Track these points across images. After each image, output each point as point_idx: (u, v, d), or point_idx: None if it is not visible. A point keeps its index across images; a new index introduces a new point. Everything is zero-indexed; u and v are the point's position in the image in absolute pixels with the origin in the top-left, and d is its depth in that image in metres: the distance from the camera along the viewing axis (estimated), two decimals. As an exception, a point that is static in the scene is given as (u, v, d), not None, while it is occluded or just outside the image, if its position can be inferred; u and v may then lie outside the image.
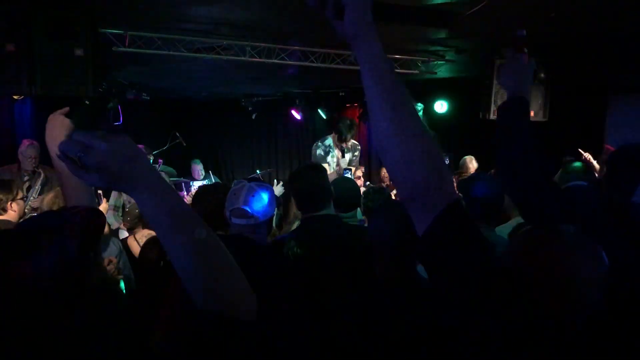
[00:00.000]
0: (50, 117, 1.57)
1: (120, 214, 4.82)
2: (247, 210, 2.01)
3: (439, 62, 5.70)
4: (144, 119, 7.75)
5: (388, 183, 6.45)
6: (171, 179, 6.34)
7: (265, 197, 2.06)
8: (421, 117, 1.56)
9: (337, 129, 5.06)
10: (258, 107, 8.57)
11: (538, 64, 5.10)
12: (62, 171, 1.60)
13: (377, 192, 3.40)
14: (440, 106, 7.66)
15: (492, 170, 4.45)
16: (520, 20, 4.04)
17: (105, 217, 1.90)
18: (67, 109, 1.56)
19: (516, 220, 2.73)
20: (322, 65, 5.28)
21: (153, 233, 3.14)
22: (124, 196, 4.89)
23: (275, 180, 5.13)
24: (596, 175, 4.05)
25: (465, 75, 6.60)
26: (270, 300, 1.23)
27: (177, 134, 6.99)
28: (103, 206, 3.80)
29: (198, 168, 7.25)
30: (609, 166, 1.61)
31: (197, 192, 2.69)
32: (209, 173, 7.30)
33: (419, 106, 1.85)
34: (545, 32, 4.44)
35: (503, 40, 4.83)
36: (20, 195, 3.26)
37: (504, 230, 2.64)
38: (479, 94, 5.24)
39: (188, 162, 7.44)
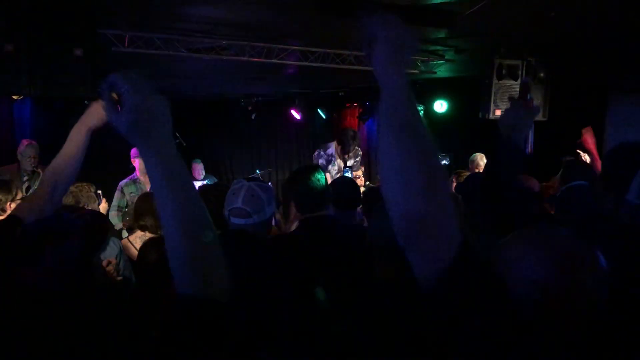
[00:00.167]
0: (93, 105, 1.74)
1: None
2: (246, 210, 2.01)
3: (439, 62, 5.69)
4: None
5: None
6: None
7: (264, 196, 2.06)
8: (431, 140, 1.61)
9: (341, 141, 5.08)
10: (258, 107, 8.57)
11: (538, 63, 5.13)
12: (56, 167, 1.63)
13: (376, 192, 3.40)
14: (440, 106, 7.66)
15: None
16: (519, 19, 4.05)
17: (108, 221, 1.90)
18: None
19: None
20: (322, 65, 5.28)
21: (147, 235, 3.14)
22: (127, 196, 4.89)
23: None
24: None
25: (464, 75, 6.60)
26: (266, 294, 1.23)
27: (177, 134, 6.98)
28: (103, 206, 3.80)
29: (199, 167, 7.24)
30: (604, 165, 1.61)
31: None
32: (209, 173, 7.30)
33: (419, 108, 1.85)
34: (545, 31, 4.44)
35: (502, 40, 4.85)
36: (20, 195, 3.25)
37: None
38: (478, 93, 5.24)
39: (187, 162, 7.44)
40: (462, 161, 6.15)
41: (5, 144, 5.93)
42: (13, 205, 3.11)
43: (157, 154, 0.94)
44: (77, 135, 1.72)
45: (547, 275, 0.91)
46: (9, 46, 3.35)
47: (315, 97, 8.35)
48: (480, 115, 5.16)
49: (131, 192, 4.87)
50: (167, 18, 4.13)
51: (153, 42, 4.53)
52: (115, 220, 4.76)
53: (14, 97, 5.93)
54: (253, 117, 8.62)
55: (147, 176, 4.99)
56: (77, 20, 3.50)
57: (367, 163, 8.27)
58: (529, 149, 1.74)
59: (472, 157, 5.92)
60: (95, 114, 1.71)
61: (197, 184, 6.64)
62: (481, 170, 5.62)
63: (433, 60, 5.65)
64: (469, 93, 6.15)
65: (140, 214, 3.20)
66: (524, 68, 5.02)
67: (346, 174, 4.86)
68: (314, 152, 5.49)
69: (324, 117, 8.48)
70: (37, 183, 4.43)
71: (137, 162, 5.06)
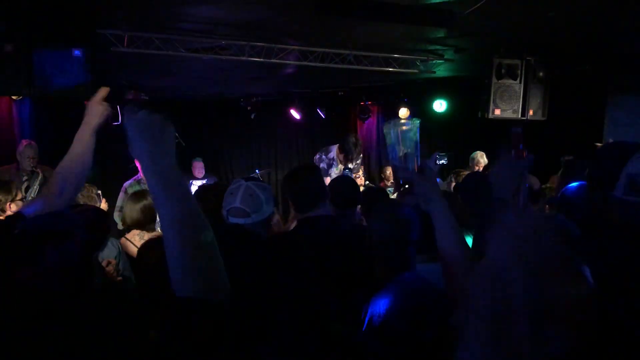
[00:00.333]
0: (89, 104, 1.77)
1: None
2: (244, 210, 2.01)
3: (438, 62, 5.69)
4: (142, 119, 7.74)
5: (392, 181, 6.46)
6: None
7: (262, 196, 2.06)
8: (417, 136, 1.65)
9: (343, 149, 5.07)
10: (257, 107, 8.56)
11: (537, 63, 5.13)
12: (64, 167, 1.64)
13: (375, 192, 3.41)
14: (439, 105, 7.67)
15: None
16: (518, 19, 4.05)
17: (109, 218, 1.91)
18: (106, 90, 1.76)
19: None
20: (321, 65, 5.28)
21: (144, 233, 3.14)
22: None
23: None
24: None
25: (464, 75, 6.60)
26: (264, 292, 1.23)
27: (177, 134, 6.96)
28: (103, 206, 3.80)
29: (199, 166, 7.24)
30: (593, 163, 1.62)
31: (196, 192, 2.69)
32: (208, 173, 7.30)
33: (416, 122, 1.82)
34: (544, 31, 4.44)
35: (501, 40, 4.86)
36: (19, 196, 3.26)
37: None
38: (478, 93, 5.25)
39: (187, 162, 7.43)
40: (462, 160, 6.16)
41: (5, 144, 5.93)
42: (13, 206, 3.11)
43: (155, 165, 0.99)
44: (82, 136, 1.75)
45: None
46: (9, 46, 3.36)
47: (314, 96, 8.36)
48: (479, 115, 5.16)
49: None
50: (166, 18, 4.13)
51: (152, 42, 4.53)
52: (117, 220, 4.76)
53: (14, 97, 5.94)
54: (252, 116, 8.62)
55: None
56: (77, 20, 3.50)
57: (367, 163, 8.28)
58: (523, 201, 1.65)
59: (472, 155, 5.93)
60: (96, 112, 1.74)
61: (198, 183, 6.65)
62: (481, 169, 5.64)
63: (432, 60, 5.65)
64: (469, 92, 6.16)
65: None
66: (523, 67, 5.03)
67: (346, 173, 4.86)
68: (316, 155, 5.49)
69: (324, 116, 8.48)
70: (36, 183, 4.43)
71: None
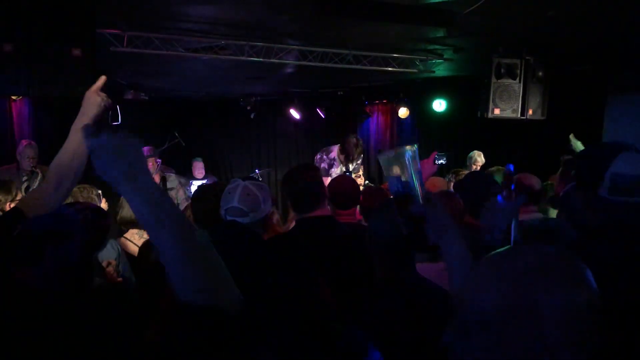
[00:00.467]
0: (86, 94, 1.70)
1: None
2: (242, 209, 2.01)
3: (437, 61, 5.70)
4: (142, 118, 7.74)
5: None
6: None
7: (259, 195, 2.06)
8: (417, 163, 1.58)
9: (344, 150, 5.08)
10: (257, 107, 8.57)
11: (536, 62, 5.13)
12: (59, 164, 1.62)
13: (374, 192, 3.41)
14: (439, 105, 7.67)
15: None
16: (518, 18, 4.05)
17: (109, 217, 1.90)
18: (103, 79, 1.70)
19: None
20: (321, 64, 5.28)
21: (144, 232, 3.15)
22: None
23: None
24: None
25: (463, 74, 6.61)
26: (263, 292, 1.23)
27: (176, 134, 6.99)
28: (102, 206, 3.80)
29: (200, 165, 7.25)
30: (579, 163, 1.62)
31: (196, 191, 2.69)
32: (208, 172, 7.30)
33: (414, 147, 1.77)
34: (544, 30, 4.44)
35: (501, 39, 4.86)
36: (19, 196, 3.26)
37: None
38: (477, 92, 5.25)
39: (187, 162, 7.43)
40: (462, 160, 6.17)
41: (5, 144, 5.94)
42: (12, 206, 3.12)
43: (137, 182, 0.96)
44: (79, 128, 1.66)
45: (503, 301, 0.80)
46: (8, 46, 3.35)
47: (314, 96, 8.36)
48: (479, 114, 5.16)
49: None
50: (165, 18, 4.13)
51: (152, 41, 4.53)
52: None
53: (13, 97, 5.94)
54: (252, 116, 8.62)
55: (157, 176, 5.04)
56: (76, 20, 3.49)
57: (367, 162, 8.28)
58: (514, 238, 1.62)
59: (470, 154, 5.95)
60: (94, 102, 1.68)
61: (197, 183, 6.65)
62: (479, 168, 5.66)
63: (432, 59, 5.65)
64: (468, 92, 6.16)
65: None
66: (523, 67, 5.03)
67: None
68: (316, 155, 5.49)
69: (323, 116, 8.48)
70: (36, 183, 4.43)
71: (149, 164, 5.08)
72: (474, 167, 5.75)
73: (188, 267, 0.96)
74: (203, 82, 7.08)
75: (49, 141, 5.47)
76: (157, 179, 5.08)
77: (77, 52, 3.45)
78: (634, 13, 3.82)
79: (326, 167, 5.20)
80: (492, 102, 5.01)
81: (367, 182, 6.12)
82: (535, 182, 3.09)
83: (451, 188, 4.23)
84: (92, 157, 0.96)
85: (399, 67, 5.58)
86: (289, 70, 6.00)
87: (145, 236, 3.01)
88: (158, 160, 5.25)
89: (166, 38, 4.55)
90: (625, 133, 5.52)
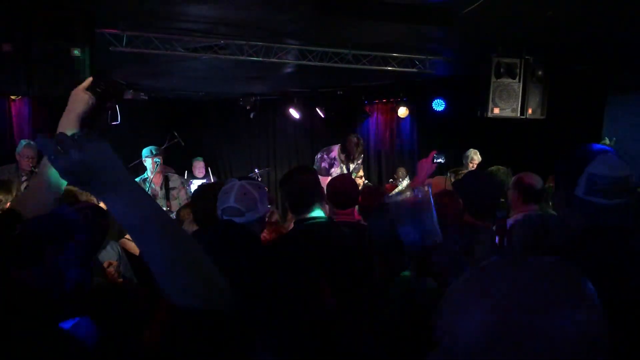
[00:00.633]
0: (73, 92, 1.65)
1: None
2: (239, 209, 2.01)
3: (437, 60, 5.70)
4: (142, 118, 7.74)
5: (400, 180, 6.47)
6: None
7: (256, 194, 2.06)
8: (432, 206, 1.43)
9: (345, 149, 5.07)
10: (256, 107, 8.56)
11: (536, 62, 5.13)
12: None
13: (373, 192, 3.41)
14: (438, 104, 7.67)
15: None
16: (517, 18, 4.05)
17: (108, 216, 1.89)
18: (90, 79, 1.65)
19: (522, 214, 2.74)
20: (320, 64, 5.28)
21: None
22: None
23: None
24: None
25: (462, 74, 6.61)
26: (261, 293, 1.23)
27: (175, 134, 6.98)
28: (102, 205, 3.79)
29: (200, 165, 7.25)
30: (559, 162, 1.62)
31: (196, 191, 2.69)
32: (208, 172, 7.29)
33: (426, 189, 1.62)
34: (543, 30, 4.44)
35: (500, 39, 4.86)
36: (19, 195, 3.25)
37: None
38: (476, 92, 5.25)
39: (187, 162, 7.43)
40: (461, 159, 6.17)
41: (4, 144, 5.93)
42: (7, 207, 3.11)
43: (116, 196, 0.91)
44: (67, 124, 1.58)
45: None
46: (7, 46, 3.35)
47: (313, 96, 8.36)
48: (478, 114, 5.16)
49: None
50: (165, 17, 4.13)
51: (151, 41, 4.53)
52: None
53: (13, 97, 5.94)
54: (252, 116, 8.62)
55: (157, 176, 5.02)
56: (75, 20, 3.49)
57: (366, 163, 8.27)
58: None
59: (466, 153, 5.95)
60: (80, 100, 1.63)
61: (197, 182, 6.64)
62: (475, 166, 5.67)
63: (431, 59, 5.65)
64: (467, 91, 6.16)
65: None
66: (522, 66, 5.03)
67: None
68: (317, 155, 5.49)
69: (323, 116, 8.48)
70: (35, 183, 4.42)
71: (148, 163, 5.07)
72: (471, 165, 5.76)
73: (175, 268, 0.94)
74: (203, 82, 7.08)
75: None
76: (159, 178, 5.06)
77: (77, 51, 3.45)
78: (634, 13, 3.82)
79: (326, 166, 5.19)
80: (492, 101, 5.02)
81: (366, 182, 6.12)
82: (536, 180, 3.09)
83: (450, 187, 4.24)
84: (63, 177, 0.90)
85: (398, 67, 5.58)
86: (289, 69, 6.00)
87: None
88: (157, 160, 5.24)
89: (166, 38, 4.55)
90: (625, 133, 5.52)
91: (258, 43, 4.88)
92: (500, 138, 6.59)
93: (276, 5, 3.76)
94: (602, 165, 1.41)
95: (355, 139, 5.11)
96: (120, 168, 0.92)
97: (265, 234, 2.70)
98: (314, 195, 2.36)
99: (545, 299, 0.66)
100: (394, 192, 1.48)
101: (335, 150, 5.29)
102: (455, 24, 4.00)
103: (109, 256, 2.72)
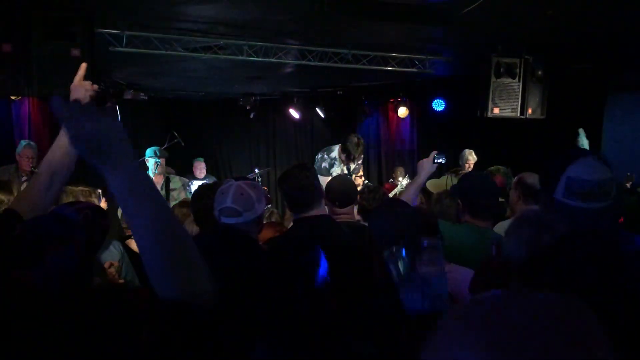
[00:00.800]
0: (72, 86, 1.66)
1: None
2: (236, 209, 2.01)
3: (437, 60, 5.70)
4: (141, 118, 7.75)
5: (399, 180, 6.47)
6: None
7: (253, 194, 2.06)
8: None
9: (345, 149, 5.07)
10: (256, 107, 8.56)
11: (536, 61, 5.13)
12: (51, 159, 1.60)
13: (372, 192, 3.41)
14: (438, 104, 7.67)
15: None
16: (517, 17, 4.05)
17: (108, 217, 1.87)
18: (84, 66, 1.65)
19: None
20: (320, 63, 5.28)
21: None
22: None
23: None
24: None
25: (462, 74, 6.61)
26: (259, 294, 1.23)
27: (175, 134, 6.99)
28: (102, 205, 3.79)
29: (200, 166, 7.25)
30: (540, 167, 1.63)
31: (196, 191, 2.69)
32: (207, 173, 7.29)
33: (438, 241, 1.53)
34: (543, 29, 4.45)
35: (500, 38, 4.86)
36: (19, 196, 3.25)
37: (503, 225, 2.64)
38: (476, 91, 5.25)
39: (186, 162, 7.43)
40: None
41: (4, 144, 5.93)
42: (5, 207, 3.10)
43: (117, 171, 0.93)
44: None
45: None
46: (7, 46, 3.35)
47: (313, 96, 8.36)
48: (478, 114, 5.16)
49: None
50: (164, 18, 4.13)
51: (151, 41, 4.53)
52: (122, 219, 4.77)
53: (12, 97, 5.93)
54: (252, 116, 8.62)
55: (158, 177, 5.03)
56: (75, 20, 3.49)
57: (366, 163, 8.27)
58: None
59: (461, 154, 5.96)
60: (80, 93, 1.64)
61: (198, 182, 6.64)
62: (471, 166, 5.68)
63: (431, 59, 5.65)
64: (467, 91, 6.16)
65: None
66: (522, 66, 5.03)
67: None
68: (317, 155, 5.48)
69: (323, 116, 8.48)
70: (35, 183, 4.42)
71: (150, 163, 5.08)
72: (467, 165, 5.76)
73: (164, 254, 0.95)
74: (202, 81, 7.08)
75: (48, 141, 5.47)
76: (160, 179, 5.07)
77: (76, 52, 3.45)
78: (634, 13, 3.82)
79: (327, 166, 5.19)
80: (492, 101, 5.02)
81: (366, 182, 6.12)
82: (537, 180, 3.09)
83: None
84: (73, 143, 0.91)
85: (398, 67, 5.58)
86: (288, 69, 6.00)
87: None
88: (158, 161, 5.24)
89: (165, 38, 4.55)
90: (624, 133, 5.52)
91: (257, 43, 4.88)
92: (500, 138, 6.59)
93: (275, 5, 3.76)
94: (580, 168, 1.42)
95: (356, 139, 5.11)
96: (128, 146, 0.95)
97: (266, 233, 2.70)
98: (313, 194, 2.35)
99: (546, 338, 0.60)
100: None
101: (336, 150, 5.29)
102: (455, 24, 4.00)
103: (111, 256, 2.71)
